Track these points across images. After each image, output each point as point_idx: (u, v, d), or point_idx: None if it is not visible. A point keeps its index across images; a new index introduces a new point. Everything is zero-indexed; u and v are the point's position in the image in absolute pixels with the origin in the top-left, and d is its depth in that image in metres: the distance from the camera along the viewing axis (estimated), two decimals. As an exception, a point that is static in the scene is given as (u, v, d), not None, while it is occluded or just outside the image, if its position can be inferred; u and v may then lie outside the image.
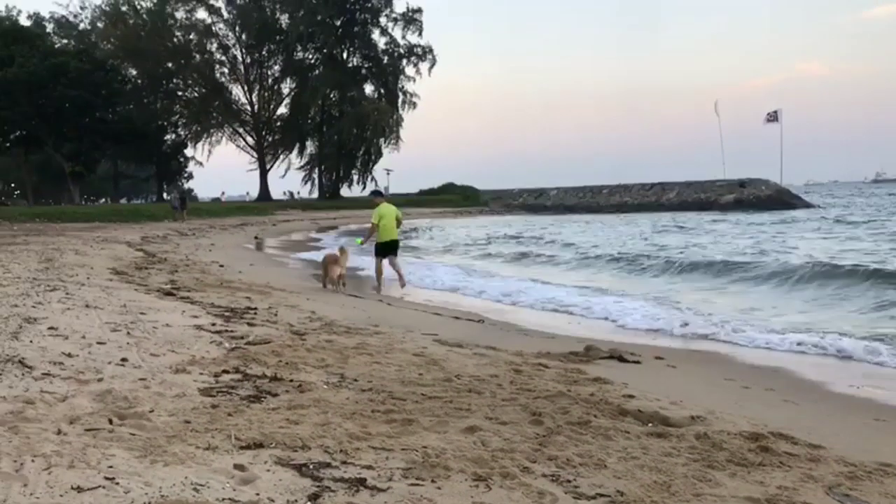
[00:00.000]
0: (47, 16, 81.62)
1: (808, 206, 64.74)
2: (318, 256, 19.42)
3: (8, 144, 68.52)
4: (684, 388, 6.38)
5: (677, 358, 8.30)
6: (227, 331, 7.77)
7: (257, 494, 3.25)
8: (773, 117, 77.11)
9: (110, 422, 4.11)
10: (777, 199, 66.45)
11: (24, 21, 74.61)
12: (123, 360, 5.78)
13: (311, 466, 3.65)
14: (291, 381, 5.52)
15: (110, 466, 3.38)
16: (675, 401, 5.55)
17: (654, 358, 8.12)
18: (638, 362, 7.73)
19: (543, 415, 4.78)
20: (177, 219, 42.94)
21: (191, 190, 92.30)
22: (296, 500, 3.24)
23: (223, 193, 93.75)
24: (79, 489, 3.08)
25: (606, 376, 6.42)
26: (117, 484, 3.17)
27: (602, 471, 3.84)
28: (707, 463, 4.03)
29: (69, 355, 5.73)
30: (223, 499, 3.16)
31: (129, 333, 6.98)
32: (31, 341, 6.10)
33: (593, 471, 3.83)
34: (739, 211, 60.24)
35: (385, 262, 15.39)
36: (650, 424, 4.80)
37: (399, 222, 15.62)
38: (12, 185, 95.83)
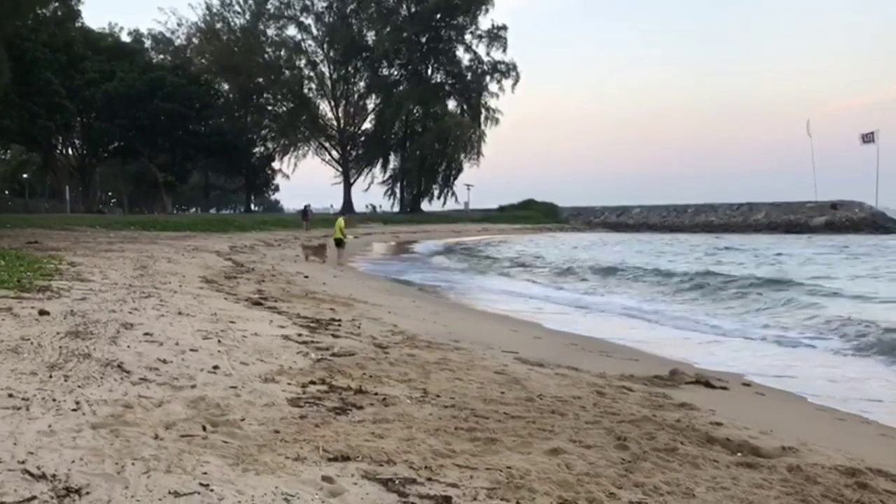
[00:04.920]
0: (146, 32, 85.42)
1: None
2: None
3: (106, 155, 71.67)
4: (774, 417, 6.19)
5: (765, 385, 8.05)
6: (312, 341, 7.92)
7: (345, 508, 3.29)
8: (869, 138, 74.16)
9: (204, 429, 4.24)
10: (871, 223, 63.99)
11: (125, 38, 78.37)
12: (215, 367, 5.96)
13: (396, 481, 3.67)
14: (376, 394, 5.59)
15: (205, 473, 3.48)
16: (765, 430, 5.39)
17: (742, 384, 7.90)
18: (725, 388, 7.52)
19: (629, 439, 4.70)
20: (305, 229, 50.90)
21: (278, 204, 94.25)
22: (382, 516, 3.27)
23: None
24: (176, 494, 3.19)
25: (692, 402, 6.29)
26: (212, 491, 3.27)
27: (690, 500, 3.75)
28: (801, 497, 3.89)
29: (164, 361, 5.94)
30: (312, 510, 3.22)
31: (219, 342, 7.19)
32: (128, 346, 6.35)
33: (681, 500, 3.75)
34: (830, 234, 58.18)
35: (338, 250, 26.63)
36: (739, 454, 4.67)
37: (343, 230, 27.22)
38: (109, 193, 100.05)
